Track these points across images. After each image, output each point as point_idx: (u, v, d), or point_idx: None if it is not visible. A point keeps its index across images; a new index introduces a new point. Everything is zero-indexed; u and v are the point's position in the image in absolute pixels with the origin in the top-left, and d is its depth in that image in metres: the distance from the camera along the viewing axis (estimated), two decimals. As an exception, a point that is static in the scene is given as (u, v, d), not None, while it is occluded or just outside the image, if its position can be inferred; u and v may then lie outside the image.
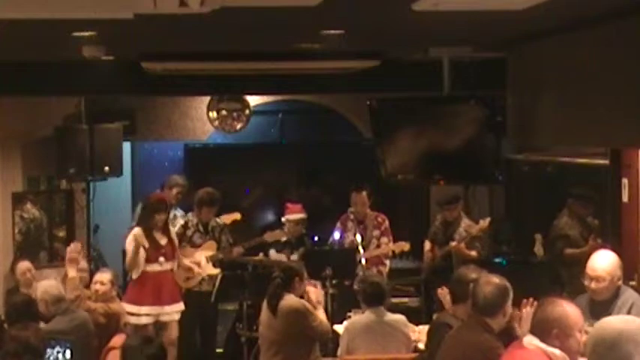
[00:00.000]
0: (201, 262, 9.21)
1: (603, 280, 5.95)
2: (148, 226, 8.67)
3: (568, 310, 4.48)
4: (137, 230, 8.70)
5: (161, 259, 8.66)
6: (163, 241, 8.73)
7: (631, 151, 7.95)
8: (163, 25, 6.41)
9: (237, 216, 9.68)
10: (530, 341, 4.52)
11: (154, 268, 8.62)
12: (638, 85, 6.29)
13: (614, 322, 4.03)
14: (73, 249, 7.95)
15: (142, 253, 8.58)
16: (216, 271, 9.28)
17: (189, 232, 9.32)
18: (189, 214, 9.49)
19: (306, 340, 7.30)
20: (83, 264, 8.56)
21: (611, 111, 6.70)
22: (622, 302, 5.95)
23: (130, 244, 8.63)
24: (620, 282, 5.98)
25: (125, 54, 8.41)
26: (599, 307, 5.75)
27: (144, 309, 8.56)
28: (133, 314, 8.51)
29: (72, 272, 7.73)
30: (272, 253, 9.60)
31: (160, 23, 6.20)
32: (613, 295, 5.96)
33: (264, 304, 7.49)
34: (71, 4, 5.38)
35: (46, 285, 7.31)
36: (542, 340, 4.44)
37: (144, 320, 8.56)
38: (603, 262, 6.01)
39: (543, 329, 4.45)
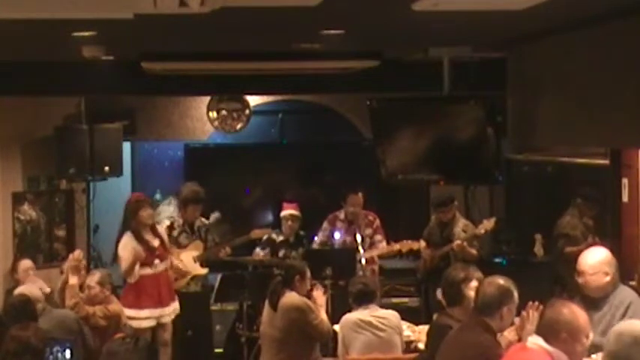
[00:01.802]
0: (189, 262, 9.15)
1: (586, 274, 5.97)
2: (137, 229, 8.47)
3: (577, 314, 4.50)
4: (129, 237, 8.46)
5: (156, 261, 8.52)
6: (155, 242, 8.56)
7: (631, 151, 7.96)
8: (163, 25, 6.42)
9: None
10: (535, 341, 4.53)
11: (149, 271, 8.49)
12: (638, 85, 6.29)
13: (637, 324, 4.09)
14: (76, 257, 7.93)
15: (136, 261, 8.44)
16: (204, 271, 9.23)
17: (175, 233, 9.17)
18: (174, 215, 9.40)
19: (307, 338, 7.32)
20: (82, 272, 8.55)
21: (611, 111, 6.71)
22: (619, 301, 5.93)
23: (124, 251, 8.44)
24: (607, 280, 5.97)
25: (125, 54, 8.41)
26: (591, 304, 5.76)
27: (144, 312, 8.45)
28: (132, 318, 8.42)
29: (73, 280, 7.71)
30: (257, 251, 9.58)
31: (160, 23, 6.20)
32: (605, 294, 5.96)
33: (266, 303, 7.52)
34: (71, 4, 5.38)
35: (18, 291, 7.27)
36: (549, 342, 4.45)
37: (145, 324, 8.45)
38: (590, 257, 6.04)
39: (551, 332, 4.46)
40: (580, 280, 6.00)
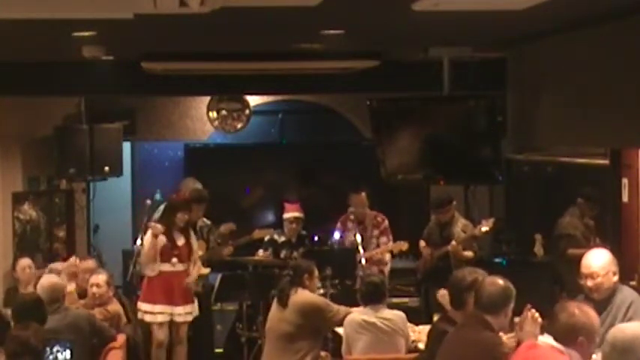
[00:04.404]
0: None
1: (598, 276, 5.92)
2: (168, 225, 8.66)
3: (591, 316, 4.52)
4: (158, 226, 8.68)
5: (174, 259, 8.65)
6: (180, 241, 8.71)
7: (631, 151, 7.96)
8: (163, 25, 6.42)
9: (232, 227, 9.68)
10: (545, 340, 4.57)
11: (166, 268, 8.62)
12: (638, 85, 6.29)
13: (629, 327, 4.07)
14: (72, 263, 7.90)
15: (158, 248, 8.57)
16: (206, 271, 9.24)
17: None
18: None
19: (316, 333, 7.47)
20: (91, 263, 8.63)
21: (611, 111, 6.71)
22: (620, 301, 5.92)
23: (147, 239, 8.62)
24: (615, 279, 5.96)
25: (125, 54, 8.42)
26: (596, 306, 5.72)
27: (158, 307, 8.59)
28: (147, 312, 8.57)
29: (71, 286, 7.69)
30: (260, 252, 9.58)
31: (160, 23, 6.21)
32: (610, 295, 5.94)
33: (275, 300, 7.62)
34: (71, 4, 5.39)
35: (40, 286, 7.22)
36: (566, 345, 4.48)
37: (159, 318, 8.58)
38: (597, 258, 5.99)
39: (569, 336, 4.48)
40: (589, 282, 5.92)
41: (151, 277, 8.65)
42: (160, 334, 8.60)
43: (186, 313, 8.74)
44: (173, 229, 8.70)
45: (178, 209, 8.74)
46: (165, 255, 8.63)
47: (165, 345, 8.66)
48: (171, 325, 8.71)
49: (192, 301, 8.83)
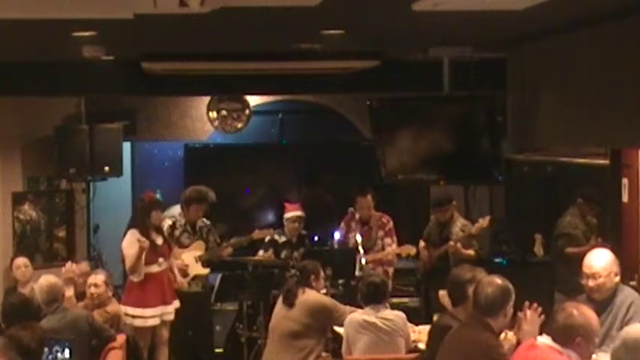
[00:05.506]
0: (190, 262, 9.17)
1: (600, 277, 5.92)
2: (146, 227, 8.58)
3: (590, 316, 4.53)
4: (136, 232, 8.57)
5: (160, 259, 8.61)
6: (159, 240, 8.67)
7: (631, 151, 7.95)
8: (163, 25, 6.42)
9: None
10: (544, 340, 4.57)
11: (154, 269, 8.57)
12: (638, 85, 6.29)
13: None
14: (68, 268, 7.91)
15: (142, 258, 8.51)
16: (205, 271, 9.24)
17: (177, 233, 9.18)
18: (177, 215, 9.42)
19: (322, 332, 7.55)
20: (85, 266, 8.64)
21: (611, 111, 6.71)
22: (620, 301, 5.92)
23: (131, 248, 8.50)
24: (617, 279, 5.96)
25: (125, 54, 8.42)
26: (597, 307, 5.72)
27: (149, 311, 8.51)
28: (137, 317, 8.47)
29: (69, 292, 7.70)
30: (260, 253, 9.57)
31: (160, 23, 6.21)
32: (611, 295, 5.94)
33: (280, 300, 7.67)
34: (71, 4, 5.39)
35: (38, 286, 7.23)
36: (564, 346, 4.49)
37: (150, 322, 8.51)
38: (599, 258, 5.98)
39: (567, 337, 4.49)
40: (591, 283, 5.91)
41: (142, 282, 8.56)
42: (147, 337, 8.54)
43: (173, 310, 8.70)
44: (150, 231, 8.62)
45: (151, 209, 8.66)
46: (150, 258, 8.53)
47: (146, 346, 8.61)
48: (159, 325, 8.65)
49: (176, 297, 8.78)
